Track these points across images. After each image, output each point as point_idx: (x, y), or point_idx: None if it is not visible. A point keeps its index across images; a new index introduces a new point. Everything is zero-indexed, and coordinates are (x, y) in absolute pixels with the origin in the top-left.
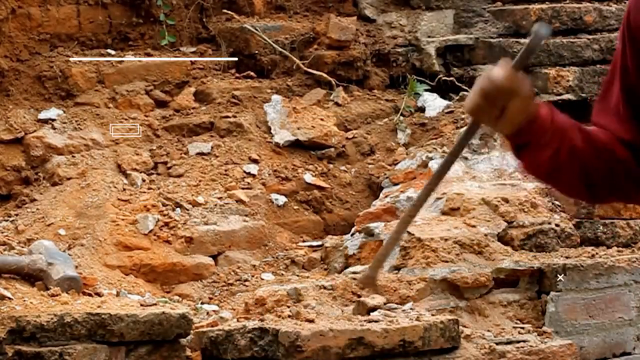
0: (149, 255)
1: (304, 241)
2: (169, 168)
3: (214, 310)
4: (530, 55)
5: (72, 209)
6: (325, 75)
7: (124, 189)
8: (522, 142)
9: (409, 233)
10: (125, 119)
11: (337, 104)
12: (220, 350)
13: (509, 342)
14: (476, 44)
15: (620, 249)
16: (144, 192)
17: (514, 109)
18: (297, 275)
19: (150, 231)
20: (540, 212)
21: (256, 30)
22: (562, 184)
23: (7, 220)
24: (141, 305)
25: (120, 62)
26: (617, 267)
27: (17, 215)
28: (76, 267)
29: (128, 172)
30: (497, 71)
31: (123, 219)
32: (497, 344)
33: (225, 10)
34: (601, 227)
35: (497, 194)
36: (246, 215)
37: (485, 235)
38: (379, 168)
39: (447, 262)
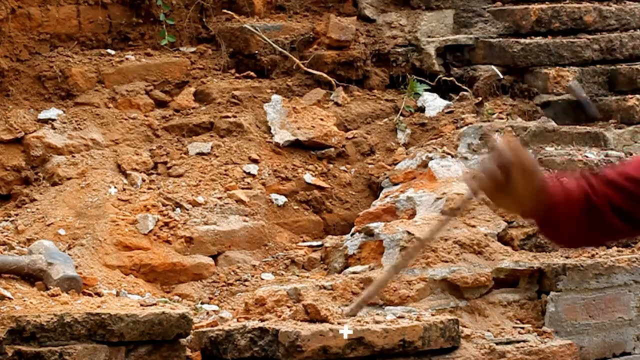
0: (149, 255)
1: (304, 241)
2: (169, 168)
3: (214, 310)
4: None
5: (72, 209)
6: (325, 75)
7: (124, 189)
8: (541, 220)
9: (408, 233)
10: (125, 119)
11: (337, 104)
12: (220, 350)
13: (509, 342)
14: (476, 44)
15: (620, 249)
16: (144, 192)
17: (516, 182)
18: (297, 275)
19: (150, 231)
20: None
21: (256, 30)
22: (594, 239)
23: (7, 220)
24: (141, 305)
25: (121, 62)
26: (617, 267)
27: (17, 215)
28: (76, 267)
29: (128, 172)
30: (503, 146)
31: (123, 219)
32: (497, 344)
33: (225, 10)
34: None
35: None
36: (246, 215)
37: (485, 235)
38: (379, 168)
39: (447, 262)
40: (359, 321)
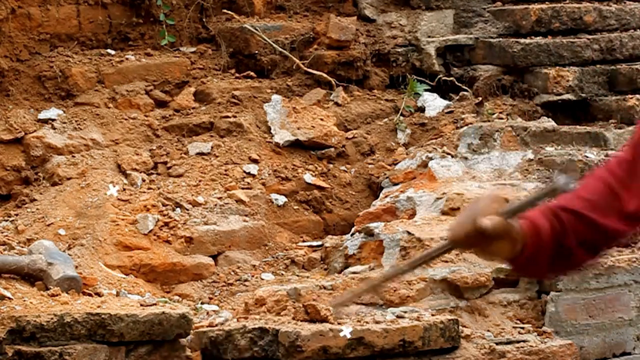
0: (149, 255)
1: (304, 241)
2: (169, 168)
3: (214, 310)
4: (533, 204)
5: (72, 209)
6: (325, 75)
7: (124, 189)
8: (516, 265)
9: (408, 233)
10: (125, 119)
11: (337, 104)
12: (220, 350)
13: (509, 342)
14: (476, 44)
15: (620, 249)
16: (144, 192)
17: (499, 249)
18: (297, 275)
19: (150, 231)
20: None
21: (256, 30)
22: (563, 272)
23: (7, 220)
24: (141, 305)
25: (121, 62)
26: (617, 267)
27: (17, 215)
28: (76, 267)
29: (128, 172)
30: (485, 220)
31: (123, 219)
32: (497, 344)
33: (225, 10)
34: None
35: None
36: (246, 215)
37: None
38: (379, 168)
39: (447, 262)
40: (359, 321)
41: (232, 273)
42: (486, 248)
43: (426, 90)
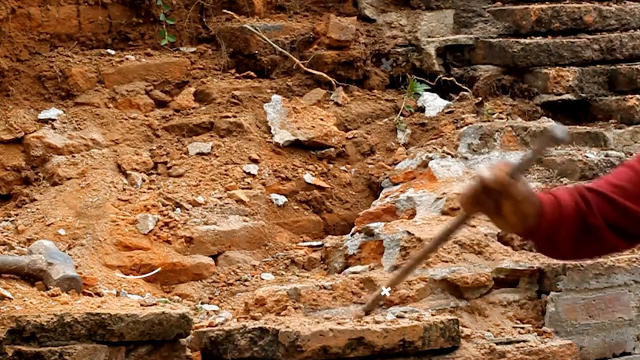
0: (149, 255)
1: (304, 241)
2: (169, 168)
3: (214, 310)
4: (535, 159)
5: (72, 209)
6: (325, 75)
7: (124, 189)
8: (537, 241)
9: (408, 233)
10: (125, 119)
11: (337, 104)
12: (220, 350)
13: (509, 342)
14: (476, 44)
15: None
16: (144, 192)
17: (507, 210)
18: (297, 275)
19: (150, 231)
20: None
21: (256, 30)
22: (593, 255)
23: (7, 220)
24: (141, 305)
25: (121, 62)
26: (617, 267)
27: (17, 215)
28: (76, 267)
29: (128, 172)
30: (489, 173)
31: (123, 219)
32: (497, 344)
33: (225, 10)
34: None
35: None
36: (246, 215)
37: (485, 235)
38: (379, 168)
39: (447, 262)
40: (358, 321)
41: (232, 273)
42: (497, 209)
43: (426, 90)
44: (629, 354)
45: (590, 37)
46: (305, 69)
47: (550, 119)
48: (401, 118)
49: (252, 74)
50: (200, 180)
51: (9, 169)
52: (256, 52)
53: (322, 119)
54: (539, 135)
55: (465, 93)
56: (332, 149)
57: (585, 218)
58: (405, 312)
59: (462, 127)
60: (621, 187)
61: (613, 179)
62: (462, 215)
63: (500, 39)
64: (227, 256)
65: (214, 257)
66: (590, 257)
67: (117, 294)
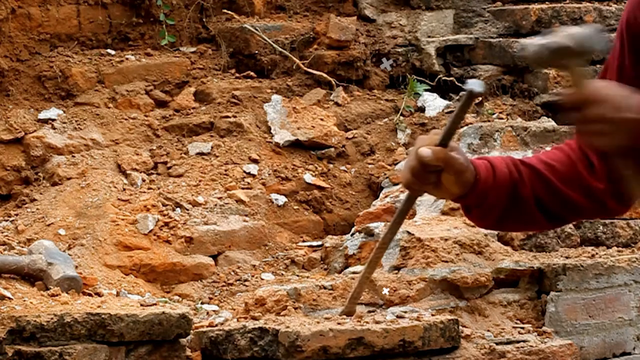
0: (149, 255)
1: (304, 241)
2: (169, 168)
3: (214, 310)
4: (460, 120)
5: (72, 209)
6: (325, 75)
7: (124, 189)
8: (468, 204)
9: (408, 233)
10: (125, 119)
11: (337, 104)
12: (220, 350)
13: (509, 342)
14: (476, 44)
15: (620, 249)
16: (144, 192)
17: (446, 181)
18: (297, 275)
19: (150, 231)
20: None
21: (256, 30)
22: (513, 228)
23: (7, 220)
24: (141, 305)
25: (121, 62)
26: (617, 267)
27: (17, 215)
28: (76, 267)
29: (128, 172)
30: (425, 150)
31: (123, 219)
32: (497, 344)
33: (225, 10)
34: (601, 227)
35: None
36: (246, 215)
37: (485, 235)
38: (379, 168)
39: (447, 262)
40: (359, 321)
41: (232, 273)
42: (437, 183)
43: (426, 90)
44: (629, 354)
45: None
46: (305, 69)
47: (550, 119)
48: (401, 118)
49: (252, 74)
50: (200, 180)
51: (9, 169)
52: (256, 52)
53: (322, 119)
54: (536, 133)
55: (465, 93)
56: (332, 149)
57: (516, 187)
58: (405, 312)
59: (462, 127)
60: (552, 166)
61: (545, 157)
62: (408, 196)
63: (500, 39)
64: (227, 256)
65: (214, 257)
66: (510, 230)
67: (117, 294)
